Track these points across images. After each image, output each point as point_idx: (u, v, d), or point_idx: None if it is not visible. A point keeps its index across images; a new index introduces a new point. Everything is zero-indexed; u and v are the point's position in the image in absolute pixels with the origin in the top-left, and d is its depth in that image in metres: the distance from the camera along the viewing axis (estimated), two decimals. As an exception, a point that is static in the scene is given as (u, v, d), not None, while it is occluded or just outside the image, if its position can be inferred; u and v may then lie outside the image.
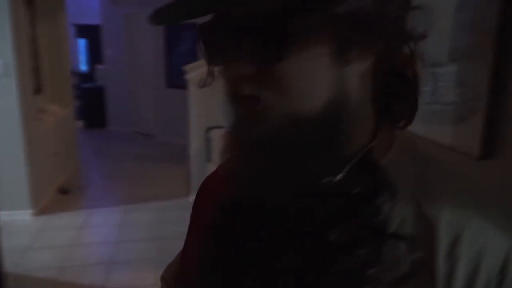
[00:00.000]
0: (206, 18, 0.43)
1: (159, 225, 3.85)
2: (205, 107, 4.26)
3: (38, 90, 4.54)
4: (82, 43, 8.57)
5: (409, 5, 0.41)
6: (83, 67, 8.67)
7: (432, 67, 1.54)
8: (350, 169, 0.41)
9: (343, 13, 0.36)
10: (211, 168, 3.84)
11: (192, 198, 3.66)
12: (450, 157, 1.17)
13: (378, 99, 0.43)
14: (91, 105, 7.72)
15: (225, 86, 0.43)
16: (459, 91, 1.24)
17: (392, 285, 0.39)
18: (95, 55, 8.26)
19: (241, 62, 0.40)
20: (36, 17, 4.64)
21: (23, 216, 3.70)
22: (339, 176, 0.40)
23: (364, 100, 0.42)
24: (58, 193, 4.52)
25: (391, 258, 0.39)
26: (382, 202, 0.40)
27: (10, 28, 3.59)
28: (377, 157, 0.43)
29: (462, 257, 0.39)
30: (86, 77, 8.28)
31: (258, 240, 0.45)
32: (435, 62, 1.44)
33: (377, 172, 0.41)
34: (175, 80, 6.74)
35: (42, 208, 4.05)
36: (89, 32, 8.23)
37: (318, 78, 0.39)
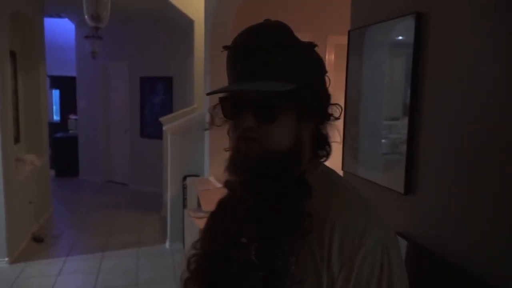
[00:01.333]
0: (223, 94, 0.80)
1: (136, 271, 3.93)
2: (181, 157, 4.49)
3: (16, 139, 4.65)
4: (55, 93, 8.71)
5: (330, 100, 0.81)
6: (56, 117, 8.77)
7: (388, 120, 1.85)
8: (290, 181, 0.76)
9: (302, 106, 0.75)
10: (186, 214, 4.00)
11: (168, 244, 3.89)
12: (383, 193, 1.49)
13: (313, 145, 0.81)
14: (63, 154, 7.76)
15: (234, 132, 0.79)
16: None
17: (298, 238, 0.71)
18: (68, 105, 8.40)
19: (250, 120, 0.74)
20: (17, 69, 4.84)
21: (0, 264, 3.70)
22: (282, 185, 0.75)
23: (306, 145, 0.79)
24: (32, 241, 4.52)
25: (299, 226, 0.72)
26: (301, 197, 0.75)
27: (-3, 80, 3.77)
28: (308, 175, 0.78)
29: (338, 229, 0.71)
30: (59, 126, 8.37)
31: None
32: (391, 117, 1.75)
33: (302, 183, 0.76)
34: (149, 130, 6.97)
35: (18, 256, 4.05)
36: (63, 83, 8.43)
37: (288, 133, 0.75)
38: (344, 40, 4.39)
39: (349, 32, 1.85)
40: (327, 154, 0.84)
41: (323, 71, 0.80)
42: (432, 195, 1.37)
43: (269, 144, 0.75)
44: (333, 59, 4.25)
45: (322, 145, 0.83)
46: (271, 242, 0.73)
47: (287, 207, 0.74)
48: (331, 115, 0.81)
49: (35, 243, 4.51)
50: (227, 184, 0.85)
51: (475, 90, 1.18)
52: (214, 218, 0.89)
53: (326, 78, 0.81)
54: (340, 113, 0.82)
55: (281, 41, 0.73)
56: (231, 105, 0.78)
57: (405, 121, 1.53)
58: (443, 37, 1.33)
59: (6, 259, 3.85)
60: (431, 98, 1.38)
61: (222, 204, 0.89)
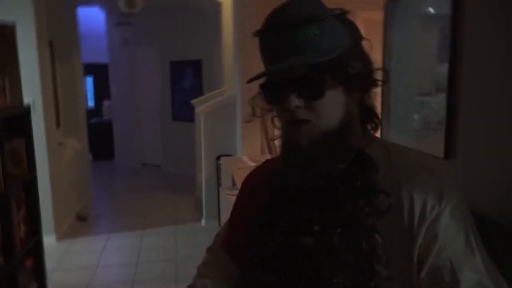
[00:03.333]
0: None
1: (174, 247, 4.10)
2: (214, 137, 4.60)
3: (57, 124, 4.87)
4: (89, 80, 8.98)
5: (372, 66, 0.76)
6: (90, 103, 9.06)
7: (421, 96, 1.86)
8: (353, 158, 0.74)
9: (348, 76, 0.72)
10: (222, 192, 4.12)
11: (204, 222, 4.03)
12: (418, 154, 1.54)
13: (361, 117, 0.78)
14: (99, 139, 8.05)
15: (281, 117, 0.76)
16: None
17: (378, 217, 0.71)
18: (101, 92, 8.66)
19: (295, 101, 0.71)
20: (55, 58, 5.03)
21: (48, 241, 3.94)
22: (345, 164, 0.73)
23: (356, 117, 0.76)
24: (76, 220, 4.78)
25: (377, 204, 0.71)
26: (371, 174, 0.73)
27: (38, 68, 3.95)
28: (366, 149, 0.76)
29: (416, 197, 0.71)
30: (93, 112, 8.66)
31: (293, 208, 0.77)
32: (424, 92, 1.77)
33: (367, 159, 0.74)
34: (180, 113, 7.12)
35: (64, 234, 4.31)
36: (96, 70, 8.67)
37: (338, 107, 0.73)
38: (374, 15, 4.32)
39: (385, 3, 1.86)
40: (376, 126, 0.81)
41: (360, 37, 0.75)
42: (473, 159, 1.40)
43: (321, 122, 0.71)
44: (364, 34, 4.21)
45: (370, 116, 0.80)
46: (354, 225, 0.70)
47: (361, 186, 0.72)
48: (376, 81, 0.77)
49: (79, 222, 4.77)
50: (277, 173, 0.79)
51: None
52: (271, 209, 0.79)
53: (366, 43, 0.77)
54: (387, 77, 0.79)
55: (311, 13, 0.69)
56: (273, 89, 0.74)
57: (438, 97, 1.56)
58: (482, 8, 1.34)
59: (54, 236, 4.11)
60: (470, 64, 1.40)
61: (275, 194, 0.80)
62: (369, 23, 4.33)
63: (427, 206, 0.70)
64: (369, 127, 0.81)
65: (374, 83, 0.77)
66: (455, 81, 1.46)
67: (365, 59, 0.75)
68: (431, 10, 1.65)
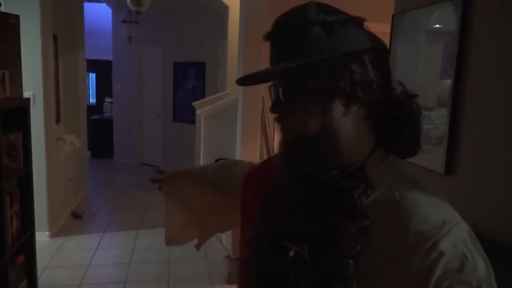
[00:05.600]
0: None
1: (169, 249, 4.07)
2: (214, 140, 4.58)
3: (57, 120, 4.85)
4: (92, 76, 8.98)
5: (382, 80, 0.70)
6: (92, 99, 9.04)
7: (423, 110, 1.85)
8: (347, 172, 0.69)
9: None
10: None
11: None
12: (422, 173, 1.51)
13: (373, 134, 0.72)
14: (99, 136, 8.03)
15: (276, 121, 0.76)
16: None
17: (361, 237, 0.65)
18: (103, 89, 8.65)
19: (278, 107, 0.72)
20: (58, 52, 5.02)
21: (41, 237, 3.91)
22: (335, 173, 0.69)
23: (352, 131, 0.70)
24: (71, 217, 4.75)
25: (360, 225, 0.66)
26: (360, 194, 0.67)
27: (41, 62, 3.94)
28: (370, 167, 0.70)
29: (412, 227, 0.63)
30: (95, 109, 8.64)
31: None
32: (426, 106, 1.75)
33: (364, 178, 0.69)
34: (182, 115, 7.11)
35: (58, 231, 4.28)
36: (99, 67, 8.67)
37: (315, 114, 0.69)
38: (382, 27, 4.28)
39: (393, 16, 1.85)
40: (406, 150, 0.74)
41: (366, 46, 0.68)
42: (473, 175, 1.39)
43: (300, 130, 0.70)
44: (368, 46, 4.21)
45: (390, 138, 0.73)
46: (326, 241, 0.67)
47: (343, 203, 0.67)
48: (395, 98, 0.72)
49: (74, 219, 4.74)
50: (278, 170, 0.78)
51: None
52: (270, 201, 0.80)
53: (379, 54, 0.70)
54: (411, 97, 0.73)
55: (307, 20, 0.67)
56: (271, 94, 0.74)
57: (440, 111, 1.54)
58: (488, 24, 1.33)
59: (47, 233, 4.08)
60: (474, 81, 1.39)
61: (277, 187, 0.79)
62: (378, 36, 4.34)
63: (422, 236, 0.63)
64: (394, 147, 0.74)
65: (375, 99, 0.69)
66: (458, 97, 1.45)
67: (362, 71, 0.68)
68: (437, 25, 1.64)
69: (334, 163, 0.70)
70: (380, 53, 0.70)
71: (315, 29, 0.67)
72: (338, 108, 0.68)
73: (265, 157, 4.39)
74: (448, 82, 1.48)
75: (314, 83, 0.67)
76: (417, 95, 0.74)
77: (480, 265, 0.62)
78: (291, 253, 0.69)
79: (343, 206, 0.67)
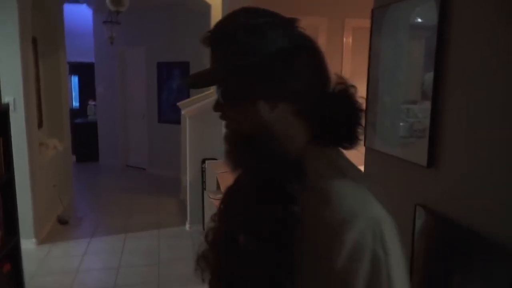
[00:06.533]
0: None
1: (158, 251, 4.04)
2: (200, 140, 4.56)
3: (39, 124, 4.77)
4: (74, 79, 8.85)
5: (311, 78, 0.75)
6: (75, 103, 8.92)
7: (406, 104, 1.87)
8: (280, 162, 0.73)
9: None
10: (206, 196, 4.09)
11: (188, 225, 4.00)
12: (407, 167, 1.53)
13: (310, 126, 0.76)
14: (83, 139, 7.92)
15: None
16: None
17: (292, 226, 0.68)
18: (87, 91, 8.54)
19: (217, 107, 0.78)
20: (38, 56, 4.93)
21: (28, 245, 3.84)
22: (269, 165, 0.74)
23: (282, 126, 0.74)
24: (57, 223, 4.67)
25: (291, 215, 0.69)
26: (291, 183, 0.70)
27: (20, 66, 3.86)
28: (306, 160, 0.73)
29: (329, 207, 0.66)
30: (78, 112, 8.52)
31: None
32: (409, 100, 1.77)
33: (296, 168, 0.72)
34: (167, 115, 7.06)
35: (44, 237, 4.21)
36: (81, 69, 8.55)
37: (242, 114, 0.75)
38: (362, 23, 4.32)
39: (372, 10, 1.86)
40: (344, 141, 0.76)
41: (292, 47, 0.72)
42: (455, 167, 1.40)
43: (236, 127, 0.77)
44: (351, 42, 4.23)
45: (324, 131, 0.75)
46: (262, 232, 0.70)
47: (273, 194, 0.70)
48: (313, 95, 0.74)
49: (60, 225, 4.67)
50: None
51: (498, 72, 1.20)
52: (229, 194, 0.89)
53: (308, 53, 0.75)
54: (347, 91, 0.76)
55: (234, 25, 0.73)
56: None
57: (423, 105, 1.55)
58: (468, 19, 1.34)
59: (34, 240, 4.01)
60: (455, 73, 1.40)
61: (236, 181, 0.87)
62: (358, 31, 4.36)
63: (331, 228, 0.64)
64: (331, 138, 0.76)
65: (303, 97, 0.74)
66: (439, 90, 1.46)
67: (285, 71, 0.71)
68: (418, 19, 1.65)
69: (267, 155, 0.74)
70: (308, 52, 0.75)
71: (241, 33, 0.71)
72: (265, 106, 0.73)
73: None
74: (431, 75, 1.49)
75: (240, 85, 0.73)
76: (353, 86, 0.77)
77: (389, 258, 0.64)
78: (237, 244, 0.75)
79: (274, 195, 0.70)
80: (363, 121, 0.77)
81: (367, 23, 1.94)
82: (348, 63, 4.28)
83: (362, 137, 0.77)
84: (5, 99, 3.21)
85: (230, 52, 0.73)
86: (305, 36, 0.75)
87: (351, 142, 0.77)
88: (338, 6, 4.22)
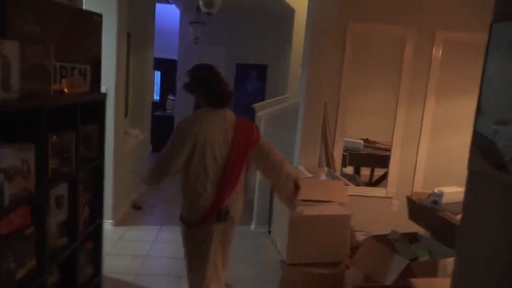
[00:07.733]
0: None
1: (222, 247, 4.12)
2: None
3: (125, 114, 5.09)
4: (157, 74, 9.32)
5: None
6: (156, 96, 9.39)
7: (496, 125, 1.62)
8: (196, 108, 2.68)
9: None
10: (274, 198, 4.08)
11: (253, 226, 4.05)
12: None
13: (207, 101, 2.48)
14: (160, 131, 8.30)
15: None
16: None
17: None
18: (167, 87, 8.96)
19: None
20: (130, 50, 5.26)
21: (105, 225, 4.09)
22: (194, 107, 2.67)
23: (200, 100, 2.50)
24: (132, 208, 4.95)
25: None
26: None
27: (115, 58, 4.14)
28: (202, 108, 2.56)
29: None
30: (158, 105, 8.96)
31: None
32: (499, 120, 1.56)
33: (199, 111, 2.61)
34: (242, 116, 7.19)
35: (120, 220, 4.48)
36: (164, 65, 8.98)
37: (195, 98, 2.57)
38: (455, 36, 4.12)
39: (490, 24, 1.66)
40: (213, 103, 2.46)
41: (205, 77, 2.49)
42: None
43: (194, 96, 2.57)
44: (440, 55, 4.02)
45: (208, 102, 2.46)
46: None
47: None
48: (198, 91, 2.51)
49: (134, 210, 4.94)
50: None
51: None
52: None
53: (205, 78, 2.48)
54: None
55: (193, 68, 2.57)
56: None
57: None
58: None
59: (111, 221, 4.28)
60: None
61: None
62: (448, 44, 4.14)
63: None
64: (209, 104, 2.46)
65: (198, 92, 2.50)
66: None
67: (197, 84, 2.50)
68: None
69: (196, 105, 2.57)
70: (205, 77, 2.46)
71: (194, 71, 2.54)
72: (196, 95, 2.50)
73: (324, 164, 4.33)
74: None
75: (191, 88, 2.51)
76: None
77: (178, 124, 2.61)
78: None
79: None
80: (224, 99, 2.51)
81: (461, 37, 1.80)
82: (435, 76, 4.08)
83: (222, 101, 2.52)
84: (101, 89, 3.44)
85: (190, 77, 2.52)
86: (212, 69, 2.51)
87: (215, 105, 2.44)
88: (429, 16, 4.03)
